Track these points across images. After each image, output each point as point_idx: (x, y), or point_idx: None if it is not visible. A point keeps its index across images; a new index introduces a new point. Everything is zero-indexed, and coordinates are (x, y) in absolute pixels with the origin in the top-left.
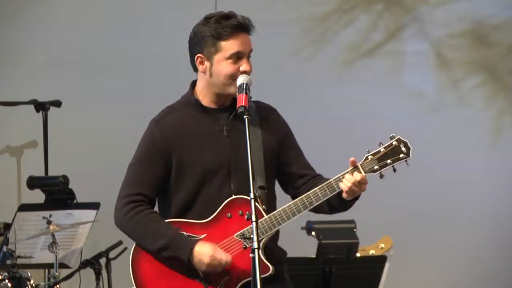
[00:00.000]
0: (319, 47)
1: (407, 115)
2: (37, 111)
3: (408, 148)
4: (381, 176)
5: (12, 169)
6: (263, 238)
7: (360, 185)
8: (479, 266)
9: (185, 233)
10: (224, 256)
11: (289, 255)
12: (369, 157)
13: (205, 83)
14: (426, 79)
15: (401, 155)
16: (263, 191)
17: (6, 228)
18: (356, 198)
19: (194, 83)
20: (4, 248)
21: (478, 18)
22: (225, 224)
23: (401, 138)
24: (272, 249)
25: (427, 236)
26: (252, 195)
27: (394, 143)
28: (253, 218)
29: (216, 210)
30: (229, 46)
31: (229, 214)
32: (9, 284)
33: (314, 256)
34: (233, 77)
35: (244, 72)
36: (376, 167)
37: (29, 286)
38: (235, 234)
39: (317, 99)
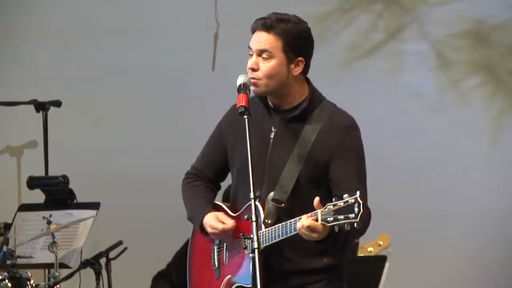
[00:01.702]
0: (319, 47)
1: (407, 115)
2: (37, 111)
3: (359, 210)
4: (335, 229)
5: (12, 169)
6: None
7: (309, 230)
8: (479, 266)
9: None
10: (218, 225)
11: None
12: (329, 206)
13: None
14: (426, 79)
15: (351, 215)
16: (275, 205)
17: (6, 228)
18: (324, 241)
19: None
20: (4, 248)
21: (478, 18)
22: (241, 224)
23: (358, 198)
24: (291, 259)
25: (426, 235)
26: (252, 195)
27: (351, 201)
28: (253, 218)
29: (241, 209)
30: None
31: (246, 216)
32: (9, 284)
33: None
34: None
35: (250, 69)
36: (330, 219)
37: (29, 286)
38: (241, 235)
39: None
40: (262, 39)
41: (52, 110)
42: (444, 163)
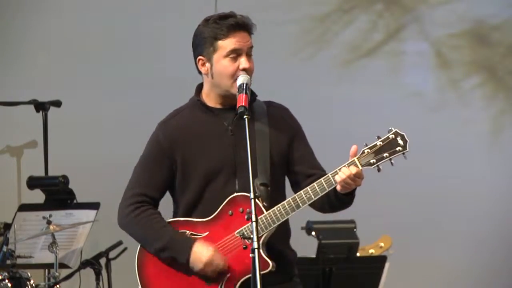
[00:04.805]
0: (319, 47)
1: (407, 115)
2: (37, 111)
3: (405, 141)
4: (379, 169)
5: (12, 169)
6: (263, 234)
7: (355, 178)
8: (479, 266)
9: (187, 231)
10: (221, 262)
11: None
12: (366, 150)
13: (209, 85)
14: (426, 79)
15: (398, 148)
16: (265, 188)
17: (6, 228)
18: (352, 194)
19: (200, 86)
20: (4, 248)
21: (478, 18)
22: (226, 222)
23: (398, 131)
24: (282, 250)
25: (427, 235)
26: (252, 194)
27: (391, 136)
28: (253, 218)
29: (218, 208)
30: (226, 44)
31: (230, 211)
32: (9, 284)
33: (314, 256)
34: (233, 76)
35: (244, 69)
36: (372, 161)
37: (29, 286)
38: (236, 232)
39: (317, 99)
40: (247, 38)
41: (52, 110)
42: (444, 163)
